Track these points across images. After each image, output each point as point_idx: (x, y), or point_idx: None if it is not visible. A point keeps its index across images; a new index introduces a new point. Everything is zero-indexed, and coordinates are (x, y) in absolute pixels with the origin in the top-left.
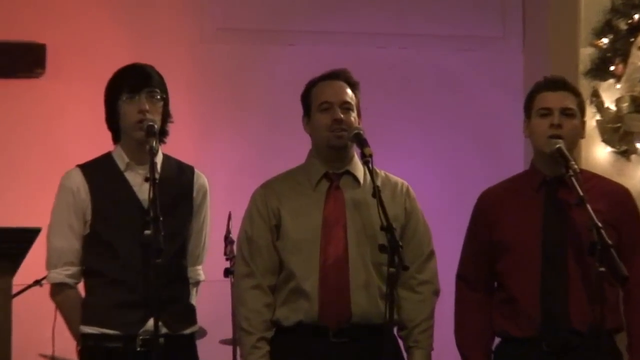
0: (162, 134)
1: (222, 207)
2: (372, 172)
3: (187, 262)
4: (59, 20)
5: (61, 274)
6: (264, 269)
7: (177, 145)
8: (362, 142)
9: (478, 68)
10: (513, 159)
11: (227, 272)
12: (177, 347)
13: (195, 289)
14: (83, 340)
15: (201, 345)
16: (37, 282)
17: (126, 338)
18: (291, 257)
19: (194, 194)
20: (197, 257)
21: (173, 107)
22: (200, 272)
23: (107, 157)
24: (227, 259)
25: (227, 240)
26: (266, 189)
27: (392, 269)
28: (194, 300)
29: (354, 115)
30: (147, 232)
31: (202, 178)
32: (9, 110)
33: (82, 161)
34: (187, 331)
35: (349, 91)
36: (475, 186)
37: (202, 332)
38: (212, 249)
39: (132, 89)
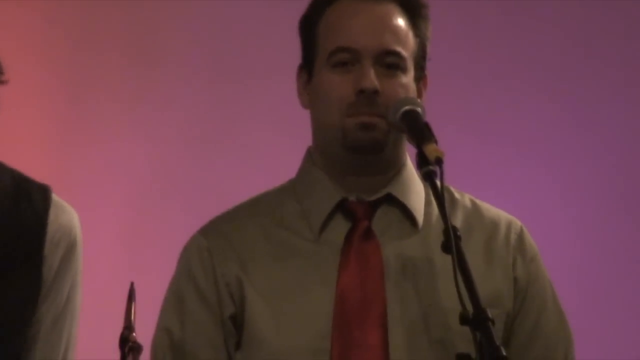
0: None
1: (114, 272)
2: (441, 197)
3: None
4: None
5: None
6: None
7: (26, 140)
8: (420, 132)
9: None
10: None
11: None
12: None
13: None
14: None
15: None
16: None
17: None
18: None
19: (46, 246)
20: None
21: (17, 73)
22: None
23: None
24: None
25: (126, 343)
26: (213, 236)
27: None
28: None
29: (406, 79)
30: None
31: (66, 213)
32: None
33: None
34: None
35: (401, 23)
36: None
37: None
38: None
39: None
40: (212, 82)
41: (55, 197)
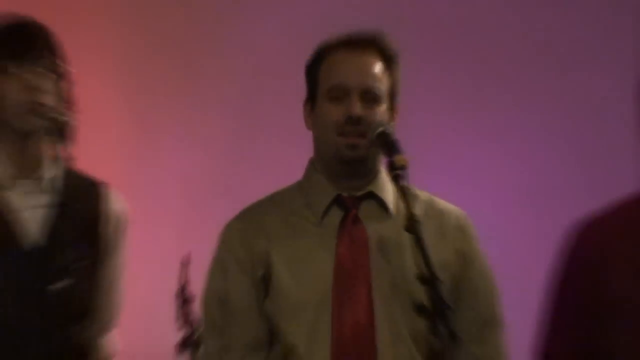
0: (63, 131)
1: (172, 246)
2: (405, 193)
3: (93, 330)
4: None
5: None
6: (245, 343)
7: (103, 151)
8: (390, 146)
9: (583, 42)
10: (622, 177)
11: (182, 347)
12: None
13: None
14: None
15: None
16: None
17: None
18: (289, 326)
19: (101, 222)
20: (107, 322)
21: (95, 99)
22: (112, 342)
23: None
24: (181, 328)
25: (182, 297)
26: (246, 221)
27: (439, 340)
28: None
29: (382, 108)
30: (57, 285)
31: (119, 201)
32: None
33: None
34: None
35: (379, 69)
36: (570, 214)
37: None
38: (159, 313)
39: (15, 55)
40: (246, 110)
41: (111, 190)
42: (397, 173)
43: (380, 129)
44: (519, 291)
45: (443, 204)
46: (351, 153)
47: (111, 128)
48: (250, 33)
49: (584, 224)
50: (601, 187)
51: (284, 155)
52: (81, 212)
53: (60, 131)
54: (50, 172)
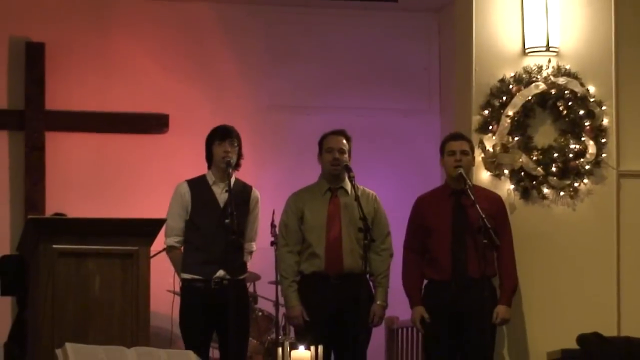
0: (237, 166)
1: (269, 207)
2: (355, 187)
3: (244, 239)
4: (177, 96)
5: (172, 241)
6: (294, 241)
7: (248, 172)
8: (349, 170)
9: (414, 129)
10: (434, 179)
11: (272, 244)
12: (235, 287)
13: (249, 255)
14: (183, 281)
15: (257, 284)
16: (162, 250)
17: (206, 281)
18: (310, 235)
19: (251, 201)
20: (250, 237)
21: (244, 152)
22: (253, 245)
23: (202, 176)
24: (272, 236)
25: (272, 225)
26: (295, 195)
27: (365, 242)
28: (247, 260)
29: (346, 155)
30: (227, 220)
31: (255, 192)
32: (145, 153)
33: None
34: (241, 277)
35: (344, 141)
36: (413, 195)
37: (257, 277)
38: (263, 231)
39: (221, 138)
40: (300, 157)
41: (253, 187)
42: (351, 179)
43: (345, 164)
44: (396, 224)
45: (368, 190)
46: (334, 172)
47: (247, 163)
48: None
49: (418, 198)
50: (426, 185)
51: (314, 172)
52: (241, 194)
53: (236, 166)
54: (230, 179)
